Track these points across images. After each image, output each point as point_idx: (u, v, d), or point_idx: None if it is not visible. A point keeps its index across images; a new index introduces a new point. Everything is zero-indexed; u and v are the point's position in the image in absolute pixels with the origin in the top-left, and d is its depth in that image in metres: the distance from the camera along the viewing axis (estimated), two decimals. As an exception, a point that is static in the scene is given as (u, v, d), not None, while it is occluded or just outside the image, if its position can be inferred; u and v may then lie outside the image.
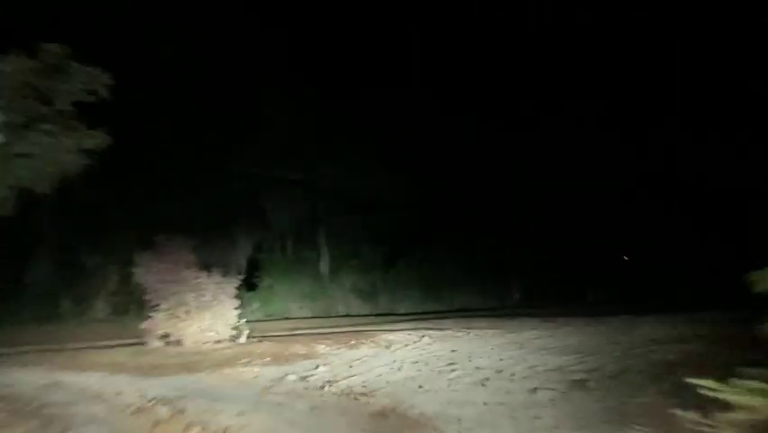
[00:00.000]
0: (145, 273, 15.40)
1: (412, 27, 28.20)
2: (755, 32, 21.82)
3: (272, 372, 11.13)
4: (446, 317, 22.09)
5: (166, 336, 15.15)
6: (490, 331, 16.40)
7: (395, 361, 11.88)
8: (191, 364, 12.45)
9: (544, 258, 31.70)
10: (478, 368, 10.72)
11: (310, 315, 27.53)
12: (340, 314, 28.13)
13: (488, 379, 9.60)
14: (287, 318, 26.44)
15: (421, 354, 12.65)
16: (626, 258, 32.92)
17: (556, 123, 29.28)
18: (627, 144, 29.12)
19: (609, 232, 30.55)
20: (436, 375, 10.14)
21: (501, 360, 11.62)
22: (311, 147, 26.81)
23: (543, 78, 29.14)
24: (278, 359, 12.64)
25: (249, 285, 27.73)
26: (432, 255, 31.75)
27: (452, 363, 11.30)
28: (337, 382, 9.85)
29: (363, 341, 15.17)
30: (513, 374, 9.97)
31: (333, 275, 29.36)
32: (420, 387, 9.16)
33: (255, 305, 27.63)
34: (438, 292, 31.36)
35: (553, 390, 8.63)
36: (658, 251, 29.33)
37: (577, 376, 9.57)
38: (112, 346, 15.84)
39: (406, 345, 14.23)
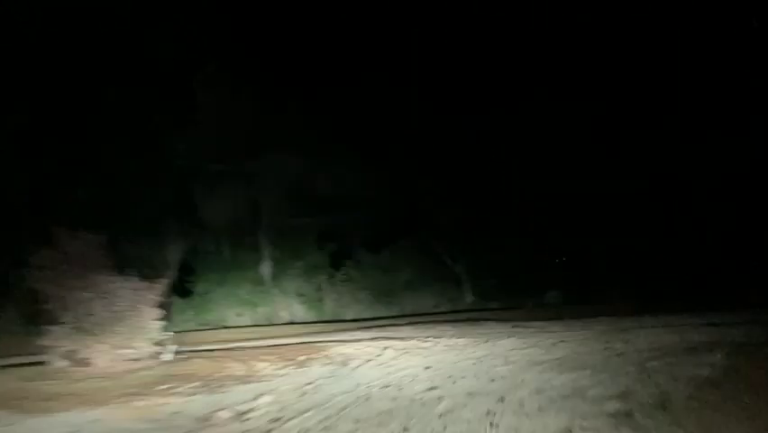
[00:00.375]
0: (43, 277, 12.29)
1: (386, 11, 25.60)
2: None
3: (200, 404, 8.28)
4: (402, 324, 19.42)
5: (72, 353, 12.10)
6: (461, 341, 13.81)
7: (359, 385, 9.14)
8: (96, 393, 9.46)
9: (500, 258, 29.49)
10: (470, 394, 8.07)
11: (250, 323, 24.62)
12: (283, 321, 25.32)
13: (493, 413, 6.91)
14: (224, 327, 23.51)
15: (389, 375, 9.95)
16: (562, 259, 30.80)
17: (534, 118, 27.31)
18: (613, 143, 27.31)
19: (576, 231, 28.47)
20: (420, 408, 7.42)
21: (493, 381, 9.02)
22: (256, 136, 23.69)
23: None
24: (209, 384, 9.76)
25: (181, 291, 24.70)
26: (381, 256, 29.19)
27: (433, 388, 8.62)
28: (287, 421, 7.05)
29: (314, 356, 12.39)
30: (522, 405, 7.32)
31: (276, 279, 26.43)
32: (405, 431, 6.46)
33: (188, 313, 24.58)
34: (387, 296, 28.76)
35: (594, 432, 6.06)
36: (629, 250, 27.36)
37: (611, 406, 6.97)
38: (7, 367, 12.75)
39: (368, 361, 11.51)
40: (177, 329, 20.06)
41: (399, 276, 29.11)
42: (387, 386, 8.95)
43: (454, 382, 9.01)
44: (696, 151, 25.46)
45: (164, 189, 21.72)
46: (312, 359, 12.03)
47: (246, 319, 25.06)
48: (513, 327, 16.54)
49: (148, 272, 13.67)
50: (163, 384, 9.80)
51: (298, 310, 26.51)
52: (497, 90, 27.42)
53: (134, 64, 20.91)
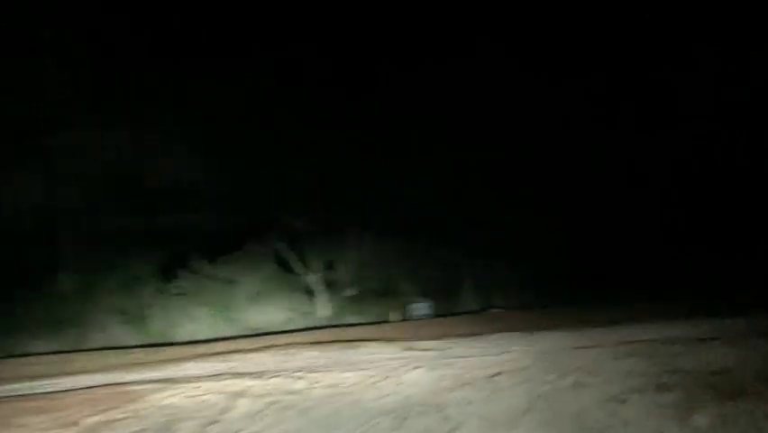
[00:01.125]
0: None
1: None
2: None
3: None
4: (254, 348, 14.19)
5: None
6: (348, 376, 9.00)
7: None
8: None
9: (359, 265, 25.23)
10: None
11: (50, 349, 18.43)
12: (96, 346, 19.31)
13: None
14: (10, 357, 17.20)
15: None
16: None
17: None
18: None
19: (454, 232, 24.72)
20: None
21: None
22: (60, 107, 17.57)
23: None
24: None
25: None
26: (222, 265, 23.86)
27: None
28: None
29: (116, 414, 7.12)
30: None
31: (88, 293, 20.34)
32: None
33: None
34: (229, 311, 23.45)
35: None
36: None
37: None
38: None
39: (209, 425, 6.51)
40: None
41: (244, 287, 23.90)
42: None
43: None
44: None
45: None
46: (111, 422, 6.82)
47: (51, 344, 18.88)
48: (405, 349, 12.04)
49: None
50: None
51: (116, 332, 20.62)
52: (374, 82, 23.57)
53: None
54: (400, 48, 23.07)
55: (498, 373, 8.54)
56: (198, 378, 9.31)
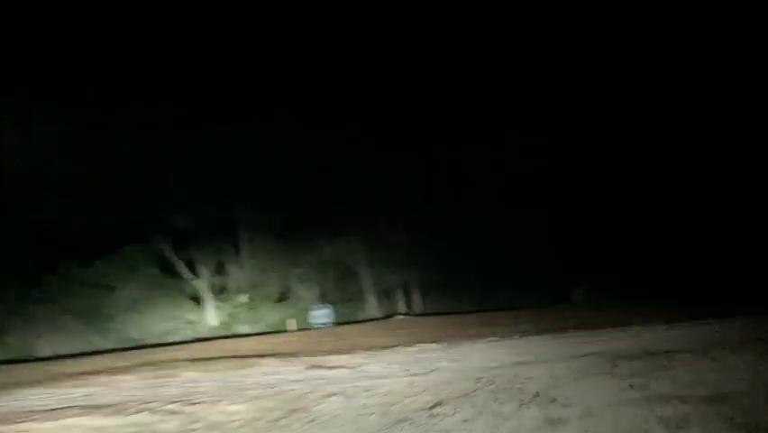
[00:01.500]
0: None
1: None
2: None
3: None
4: (128, 366, 11.57)
5: None
6: (240, 410, 6.75)
7: None
8: None
9: (255, 269, 22.92)
10: None
11: None
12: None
13: None
14: None
15: None
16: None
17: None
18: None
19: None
20: None
21: None
22: None
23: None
24: None
25: None
26: (96, 268, 20.94)
27: None
28: None
29: None
30: None
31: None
32: None
33: None
34: (103, 320, 20.61)
35: None
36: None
37: None
38: None
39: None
40: None
41: (121, 294, 21.04)
42: None
43: None
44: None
45: None
46: None
47: None
48: (310, 367, 9.92)
49: None
50: None
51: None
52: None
53: None
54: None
55: (438, 404, 6.54)
56: (33, 414, 6.83)
